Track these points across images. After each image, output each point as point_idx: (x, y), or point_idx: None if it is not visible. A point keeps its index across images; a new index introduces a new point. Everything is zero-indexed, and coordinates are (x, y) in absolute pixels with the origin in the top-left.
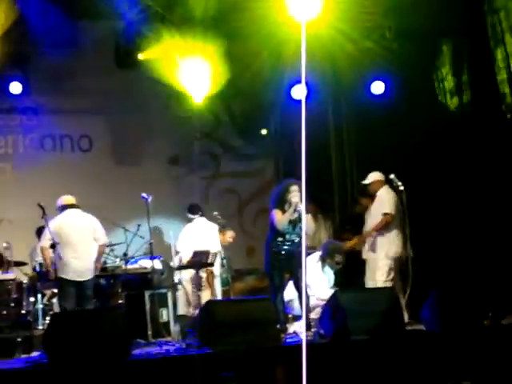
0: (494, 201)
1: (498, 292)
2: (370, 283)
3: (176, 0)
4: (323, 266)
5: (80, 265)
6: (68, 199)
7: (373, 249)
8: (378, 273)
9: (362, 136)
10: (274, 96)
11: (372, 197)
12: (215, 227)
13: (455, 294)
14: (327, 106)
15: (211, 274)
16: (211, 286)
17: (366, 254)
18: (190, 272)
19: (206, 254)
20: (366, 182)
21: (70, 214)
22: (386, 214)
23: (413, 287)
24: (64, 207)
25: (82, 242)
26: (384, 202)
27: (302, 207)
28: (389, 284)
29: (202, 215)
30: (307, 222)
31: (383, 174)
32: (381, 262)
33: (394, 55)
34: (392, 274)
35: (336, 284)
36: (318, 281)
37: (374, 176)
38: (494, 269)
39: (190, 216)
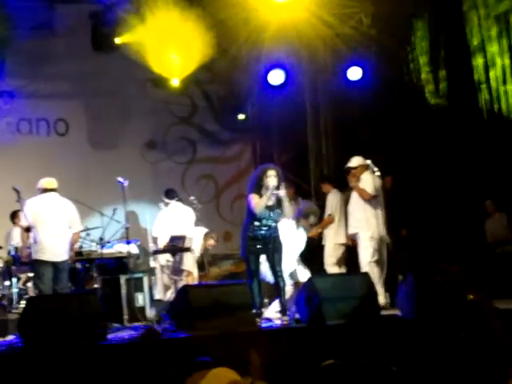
0: (472, 183)
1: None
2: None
3: None
4: (297, 228)
5: (56, 245)
6: (50, 182)
7: (354, 231)
8: (364, 253)
9: (338, 121)
10: (250, 81)
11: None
12: (191, 211)
13: (431, 278)
14: (304, 92)
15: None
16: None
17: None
18: (167, 256)
19: (182, 238)
20: (352, 165)
21: (48, 196)
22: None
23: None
24: (44, 190)
25: (57, 224)
26: (367, 186)
27: (283, 192)
28: (373, 265)
29: (178, 200)
30: (285, 207)
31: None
32: (365, 243)
33: (371, 41)
34: (376, 256)
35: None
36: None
37: (359, 160)
38: (473, 251)
39: (166, 200)
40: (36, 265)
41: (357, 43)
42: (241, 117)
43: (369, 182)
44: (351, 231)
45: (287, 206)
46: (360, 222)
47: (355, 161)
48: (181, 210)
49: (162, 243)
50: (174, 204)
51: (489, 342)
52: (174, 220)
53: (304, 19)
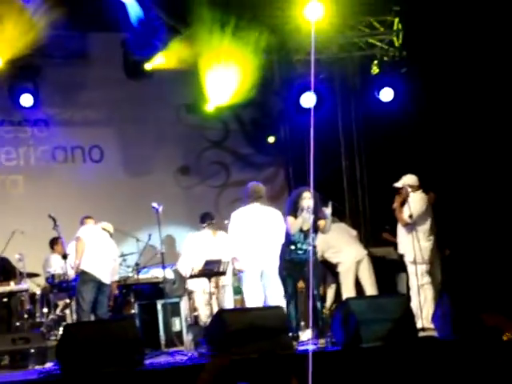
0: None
1: None
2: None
3: (187, 11)
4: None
5: (104, 266)
6: (109, 226)
7: (400, 251)
8: (412, 278)
9: (371, 143)
10: (283, 104)
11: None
12: (225, 235)
13: (469, 297)
14: (337, 114)
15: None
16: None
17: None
18: (202, 281)
19: (217, 262)
20: (397, 185)
21: (103, 232)
22: (409, 217)
23: None
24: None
25: (107, 255)
26: (407, 210)
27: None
28: (426, 288)
29: (210, 224)
30: (327, 224)
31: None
32: (410, 268)
33: (402, 62)
34: (425, 278)
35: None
36: None
37: (406, 180)
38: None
39: (201, 225)
40: (81, 280)
41: (388, 64)
42: (271, 139)
43: (413, 205)
44: (399, 251)
45: (328, 223)
46: (402, 245)
47: (403, 180)
48: (214, 235)
49: (197, 268)
50: (207, 230)
51: None
52: (207, 244)
53: (335, 41)
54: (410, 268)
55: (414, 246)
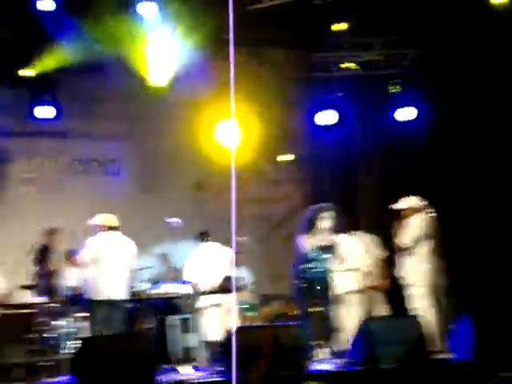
0: None
1: None
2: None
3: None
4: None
5: (113, 284)
6: (111, 220)
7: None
8: (410, 301)
9: (389, 163)
10: (303, 121)
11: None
12: (229, 251)
13: (492, 319)
14: (355, 132)
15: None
16: None
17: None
18: (219, 297)
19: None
20: (402, 206)
21: (111, 235)
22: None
23: None
24: (109, 228)
25: (118, 264)
26: (409, 233)
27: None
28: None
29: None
30: (344, 244)
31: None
32: (414, 291)
33: (423, 81)
34: (425, 301)
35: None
36: None
37: (410, 202)
38: None
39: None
40: (90, 304)
41: (409, 83)
42: (289, 157)
43: (414, 228)
44: (397, 273)
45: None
46: (401, 267)
47: (406, 202)
48: (217, 250)
49: (214, 283)
50: (207, 244)
51: None
52: (211, 260)
53: (355, 60)
54: (409, 291)
55: (412, 269)
